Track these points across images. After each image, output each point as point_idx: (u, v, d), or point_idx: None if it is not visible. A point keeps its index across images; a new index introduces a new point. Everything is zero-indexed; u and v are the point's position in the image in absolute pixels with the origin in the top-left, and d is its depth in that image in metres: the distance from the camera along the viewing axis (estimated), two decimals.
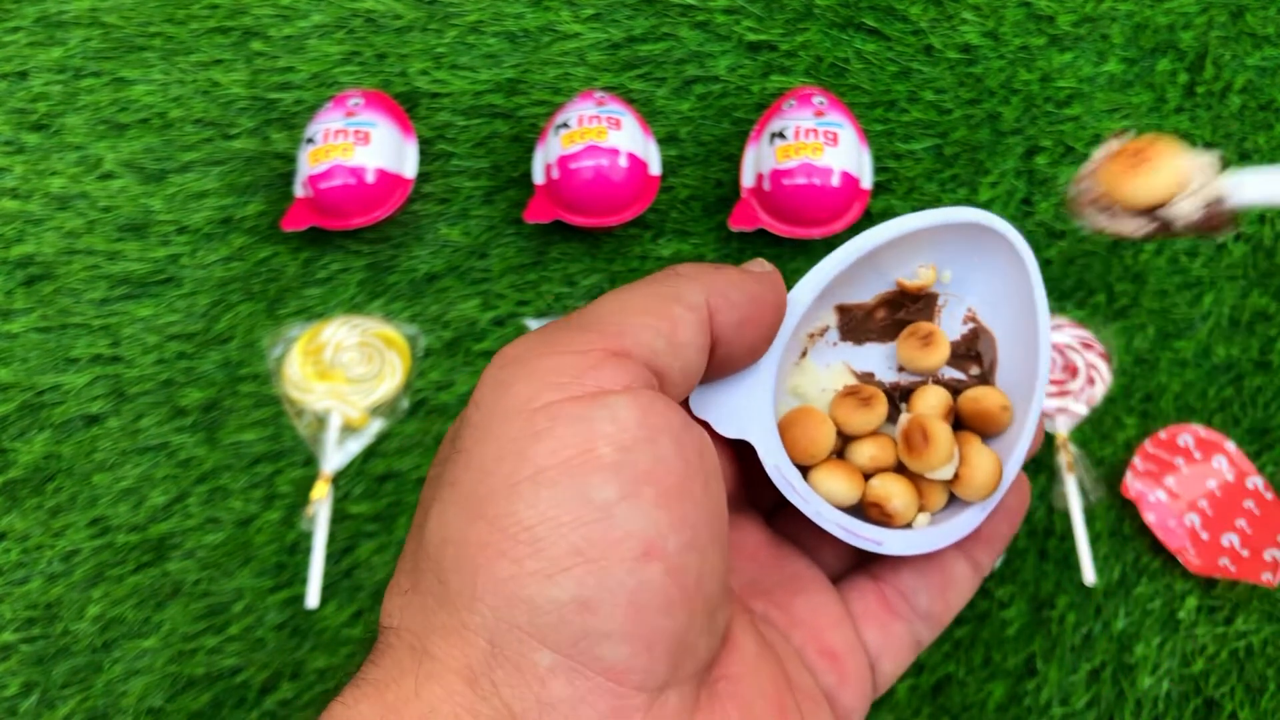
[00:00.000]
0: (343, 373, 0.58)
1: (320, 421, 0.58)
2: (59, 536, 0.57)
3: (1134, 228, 0.29)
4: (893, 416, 0.28)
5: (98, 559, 0.56)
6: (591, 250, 0.62)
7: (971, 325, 0.30)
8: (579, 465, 0.20)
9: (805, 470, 0.27)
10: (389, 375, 0.59)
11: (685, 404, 0.26)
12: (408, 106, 0.65)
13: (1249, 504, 0.56)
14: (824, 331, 0.29)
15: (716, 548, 0.22)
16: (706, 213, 0.63)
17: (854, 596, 0.27)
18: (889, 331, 0.30)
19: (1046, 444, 0.57)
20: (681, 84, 0.66)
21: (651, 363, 0.22)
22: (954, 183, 0.63)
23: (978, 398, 0.28)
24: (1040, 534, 0.56)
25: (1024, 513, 0.29)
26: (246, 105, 0.65)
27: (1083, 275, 0.61)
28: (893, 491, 0.26)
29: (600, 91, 0.63)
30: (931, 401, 0.28)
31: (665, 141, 0.64)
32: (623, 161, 0.59)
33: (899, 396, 0.29)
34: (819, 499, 0.26)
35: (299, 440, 0.58)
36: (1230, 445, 0.57)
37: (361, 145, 0.60)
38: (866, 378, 0.29)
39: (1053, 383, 0.58)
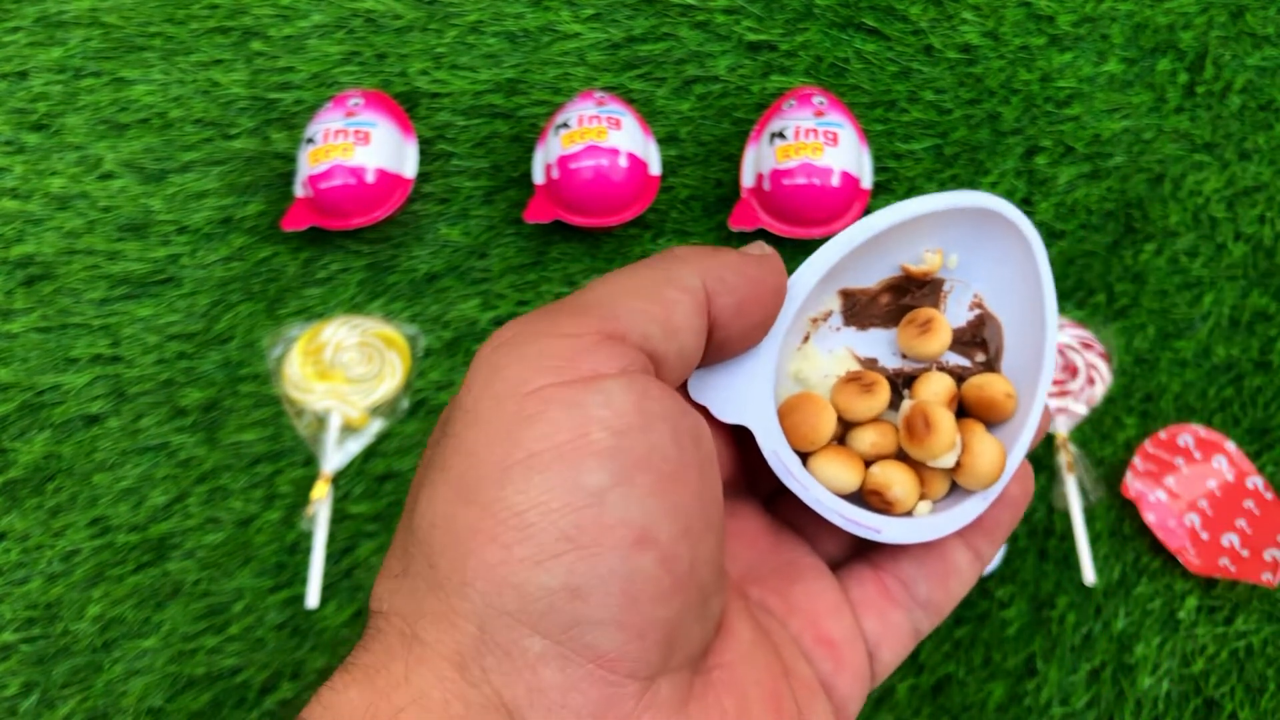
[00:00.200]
0: (343, 373, 0.58)
1: (320, 421, 0.57)
2: (59, 536, 0.56)
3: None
4: (895, 403, 0.28)
5: (98, 559, 0.56)
6: (591, 250, 0.62)
7: (977, 311, 0.29)
8: (571, 450, 0.20)
9: (805, 457, 0.27)
10: (389, 375, 0.59)
11: (682, 388, 0.26)
12: (408, 106, 0.65)
13: (1249, 504, 0.56)
14: (827, 316, 0.29)
15: (711, 535, 0.22)
16: (706, 213, 0.63)
17: (853, 584, 0.27)
18: (893, 317, 0.29)
19: (1046, 444, 0.57)
20: (681, 84, 0.66)
21: (646, 346, 0.22)
22: (954, 183, 0.63)
23: (982, 385, 0.27)
24: (1040, 534, 0.56)
25: (1027, 502, 0.28)
26: (246, 105, 0.66)
27: (1083, 275, 0.61)
28: (894, 479, 0.26)
29: (600, 91, 0.63)
30: (935, 388, 0.27)
31: (665, 141, 0.64)
32: (623, 161, 0.59)
33: (902, 383, 0.28)
34: (818, 486, 0.26)
35: (299, 440, 0.58)
36: (1230, 445, 0.57)
37: (361, 145, 0.60)
38: (870, 363, 0.29)
39: (1053, 383, 0.58)
